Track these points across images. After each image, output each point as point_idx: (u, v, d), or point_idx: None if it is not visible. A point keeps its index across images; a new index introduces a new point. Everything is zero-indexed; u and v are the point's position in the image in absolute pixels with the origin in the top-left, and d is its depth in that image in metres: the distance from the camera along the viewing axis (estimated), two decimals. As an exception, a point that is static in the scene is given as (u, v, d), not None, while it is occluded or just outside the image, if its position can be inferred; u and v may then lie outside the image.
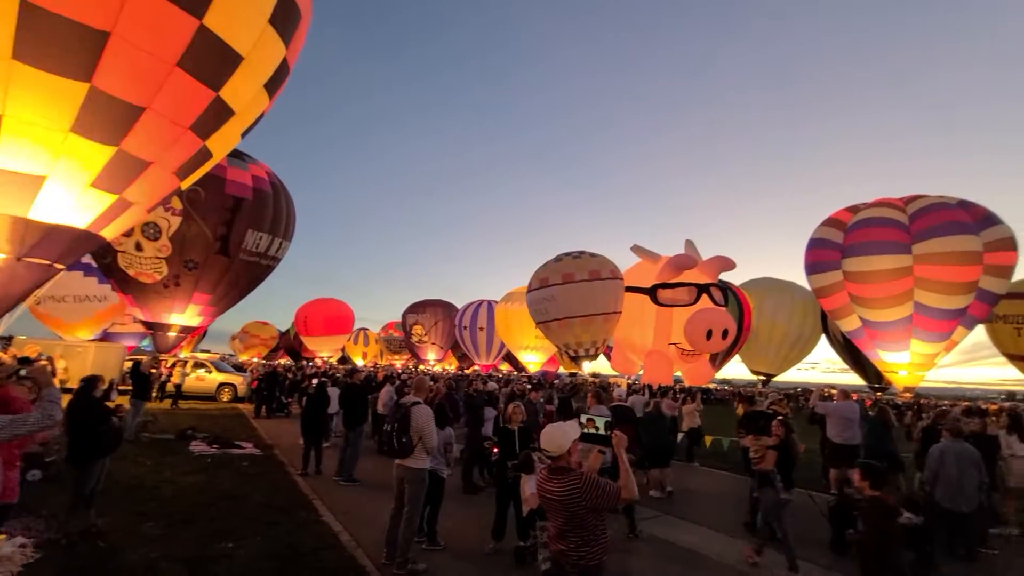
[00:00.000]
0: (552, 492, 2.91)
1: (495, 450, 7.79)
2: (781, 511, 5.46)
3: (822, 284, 15.52)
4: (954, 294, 13.35)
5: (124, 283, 13.49)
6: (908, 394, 17.35)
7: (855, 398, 9.32)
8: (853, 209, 15.70)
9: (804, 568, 5.27)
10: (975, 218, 13.74)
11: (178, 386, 16.68)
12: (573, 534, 2.87)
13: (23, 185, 6.57)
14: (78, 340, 18.15)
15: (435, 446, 5.00)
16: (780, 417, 6.52)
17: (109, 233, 8.20)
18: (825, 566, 5.56)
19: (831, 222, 15.79)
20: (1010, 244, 13.56)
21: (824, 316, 18.76)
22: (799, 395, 38.74)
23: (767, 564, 5.43)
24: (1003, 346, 17.64)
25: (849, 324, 15.55)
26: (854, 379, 22.38)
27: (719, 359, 19.96)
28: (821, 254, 15.47)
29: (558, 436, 3.00)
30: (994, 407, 28.98)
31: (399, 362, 41.64)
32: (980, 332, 17.18)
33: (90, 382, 5.19)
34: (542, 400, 10.29)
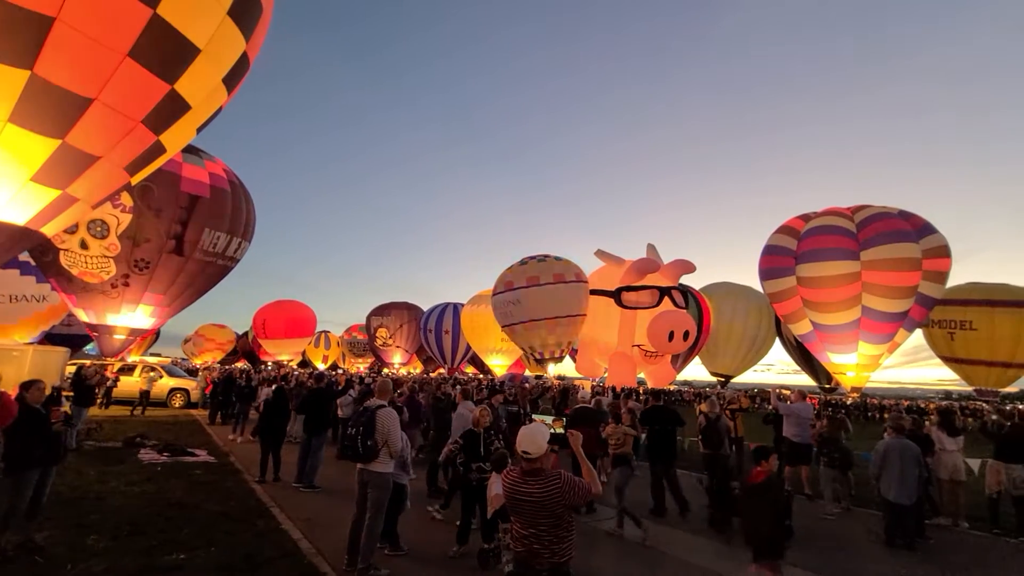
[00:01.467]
0: (531, 494, 2.91)
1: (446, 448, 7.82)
2: (627, 484, 6.47)
3: (777, 289, 16.15)
4: (897, 298, 14.18)
5: (67, 283, 12.75)
6: (855, 393, 18.26)
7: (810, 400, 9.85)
8: (805, 217, 16.43)
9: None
10: (914, 227, 14.65)
11: (145, 392, 15.99)
12: (548, 533, 2.90)
13: (-46, 178, 6.16)
14: (14, 343, 16.98)
15: (400, 449, 4.94)
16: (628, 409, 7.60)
17: (50, 230, 7.76)
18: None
19: (785, 229, 16.46)
20: (944, 252, 14.52)
21: (778, 320, 19.54)
22: (755, 395, 40.20)
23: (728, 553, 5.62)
24: (938, 349, 18.83)
25: (801, 328, 16.25)
26: (806, 380, 23.42)
27: (680, 360, 20.47)
28: (775, 260, 16.11)
29: (539, 437, 3.01)
30: (932, 405, 30.84)
31: (363, 365, 40.85)
32: (919, 335, 18.29)
33: (24, 387, 4.88)
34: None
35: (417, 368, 38.97)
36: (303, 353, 37.25)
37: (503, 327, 17.75)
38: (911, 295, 14.25)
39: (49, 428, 4.84)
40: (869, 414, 35.18)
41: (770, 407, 9.39)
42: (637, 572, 5.24)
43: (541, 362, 17.46)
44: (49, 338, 19.63)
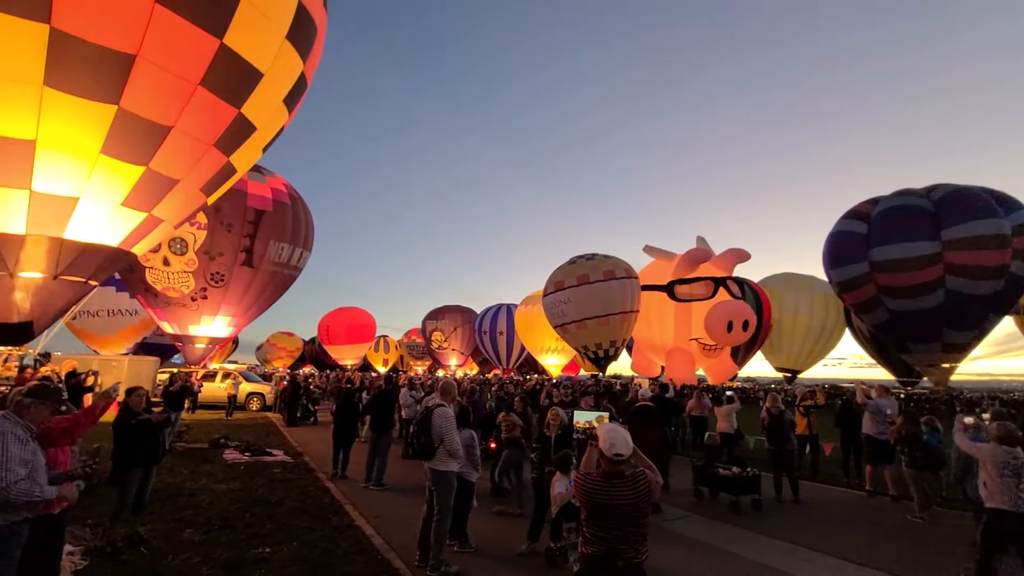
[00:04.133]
0: (623, 496, 2.85)
1: (492, 446, 7.96)
2: (522, 466, 7.05)
3: (847, 277, 15.21)
4: (985, 279, 13.02)
5: (152, 298, 13.89)
6: (940, 387, 16.91)
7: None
8: (874, 201, 15.40)
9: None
10: (1000, 203, 13.43)
11: (232, 396, 17.19)
12: (637, 533, 2.86)
13: (58, 206, 6.84)
14: (112, 354, 18.72)
15: (456, 449, 4.97)
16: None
17: (140, 249, 8.48)
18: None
19: (853, 214, 15.50)
20: (1038, 229, 13.21)
21: (847, 310, 18.39)
22: (830, 391, 37.81)
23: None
24: (1035, 336, 17.13)
25: (876, 317, 15.23)
26: (882, 374, 21.88)
27: (741, 355, 19.69)
28: (844, 246, 15.19)
29: (626, 436, 2.97)
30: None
31: (421, 368, 41.94)
32: (1010, 322, 16.65)
33: (128, 393, 5.35)
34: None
35: (474, 369, 39.53)
36: (364, 357, 38.67)
37: (555, 327, 17.68)
38: (1001, 276, 13.05)
39: (151, 431, 5.30)
40: (958, 410, 32.21)
41: (860, 401, 8.87)
42: (709, 573, 5.10)
43: (596, 361, 17.26)
44: (143, 347, 21.52)
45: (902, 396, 24.70)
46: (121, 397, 5.29)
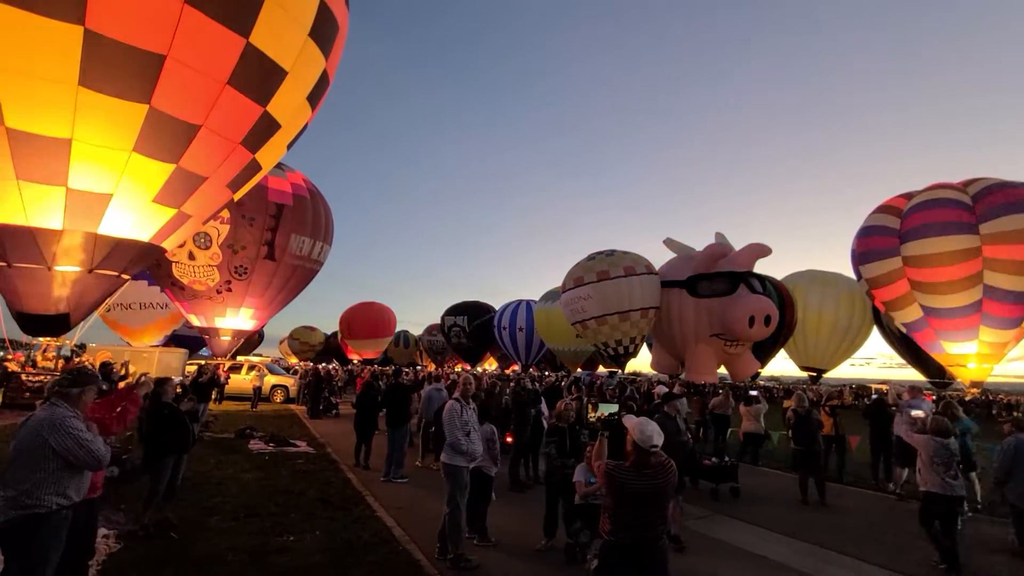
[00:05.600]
0: (656, 486, 2.93)
1: (509, 440, 7.95)
2: None
3: (877, 273, 14.75)
4: (1027, 275, 12.48)
5: (179, 291, 14.26)
6: (975, 389, 16.30)
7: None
8: (907, 195, 14.90)
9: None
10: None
11: (258, 388, 17.61)
12: (662, 519, 2.98)
13: (92, 203, 7.07)
14: (144, 346, 19.32)
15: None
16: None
17: (169, 244, 8.72)
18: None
19: (885, 208, 15.02)
20: (1081, 224, 12.58)
21: (876, 310, 17.83)
22: (857, 391, 36.77)
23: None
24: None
25: (908, 315, 14.73)
26: (912, 374, 21.21)
27: (763, 352, 19.26)
28: (875, 241, 14.72)
29: (657, 427, 3.04)
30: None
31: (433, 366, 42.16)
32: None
33: (159, 384, 5.51)
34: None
35: (492, 365, 39.54)
36: (385, 352, 39.01)
37: (573, 324, 17.56)
38: (1044, 272, 12.50)
39: (182, 420, 5.45)
40: (993, 412, 30.93)
41: (892, 403, 8.65)
42: (731, 573, 5.03)
43: (616, 358, 17.11)
44: (174, 340, 22.16)
45: (934, 399, 23.96)
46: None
